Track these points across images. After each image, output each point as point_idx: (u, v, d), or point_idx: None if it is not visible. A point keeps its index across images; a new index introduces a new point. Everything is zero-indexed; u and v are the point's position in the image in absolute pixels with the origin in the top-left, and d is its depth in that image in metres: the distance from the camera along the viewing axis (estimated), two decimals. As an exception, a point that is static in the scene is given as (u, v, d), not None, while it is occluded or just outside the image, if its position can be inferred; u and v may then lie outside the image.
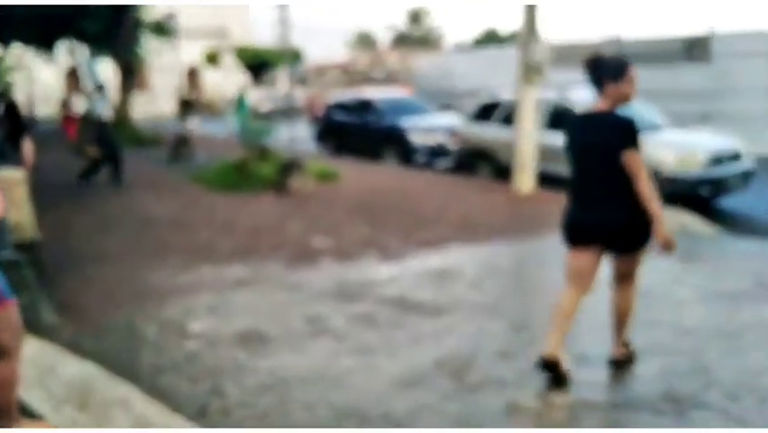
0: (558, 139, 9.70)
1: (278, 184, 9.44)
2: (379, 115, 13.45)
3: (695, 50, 15.71)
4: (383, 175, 11.00)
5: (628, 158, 2.98)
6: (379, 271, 5.19)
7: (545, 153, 9.17)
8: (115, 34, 17.44)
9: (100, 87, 10.21)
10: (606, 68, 3.14)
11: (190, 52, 47.54)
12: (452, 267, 5.28)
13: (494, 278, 5.01)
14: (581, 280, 3.20)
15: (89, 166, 9.92)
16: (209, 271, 5.31)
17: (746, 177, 8.37)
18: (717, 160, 8.18)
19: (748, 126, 14.39)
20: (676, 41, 16.08)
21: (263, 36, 52.95)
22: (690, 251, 5.91)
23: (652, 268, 3.92)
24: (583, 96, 9.62)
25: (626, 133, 3.03)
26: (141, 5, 18.42)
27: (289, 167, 9.41)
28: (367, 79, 28.02)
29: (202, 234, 6.62)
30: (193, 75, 14.70)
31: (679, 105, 15.42)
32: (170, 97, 31.39)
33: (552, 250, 5.56)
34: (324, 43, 54.74)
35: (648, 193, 2.96)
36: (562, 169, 9.33)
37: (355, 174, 10.83)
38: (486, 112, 10.66)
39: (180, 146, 14.10)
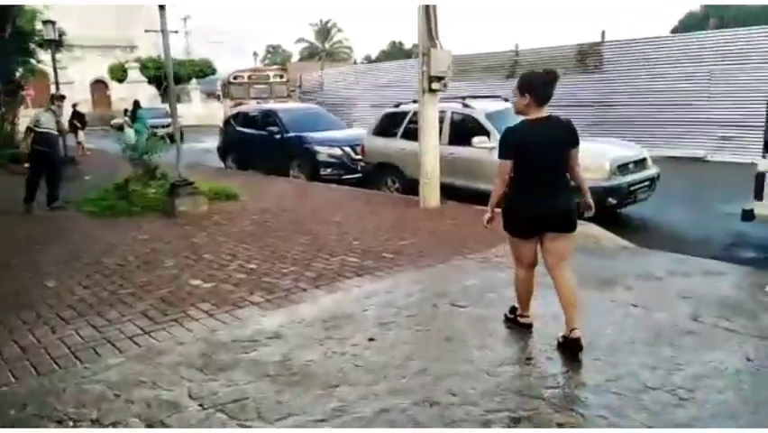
0: (461, 151, 9.13)
1: (164, 207, 8.10)
2: (283, 128, 12.23)
3: (587, 58, 15.56)
4: (287, 192, 9.83)
5: (574, 152, 3.45)
6: (262, 324, 4.06)
7: (451, 166, 8.37)
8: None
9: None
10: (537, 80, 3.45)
11: (97, 65, 44.35)
12: (350, 311, 4.24)
13: (399, 327, 4.00)
14: (532, 261, 3.67)
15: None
16: (43, 337, 4.01)
17: (653, 183, 7.87)
18: (624, 167, 7.61)
19: (633, 130, 14.34)
20: (571, 48, 15.87)
21: (173, 50, 50.03)
22: (608, 270, 5.18)
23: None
24: (485, 107, 8.92)
25: (575, 132, 3.46)
26: (23, 15, 16.26)
27: (178, 187, 8.09)
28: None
29: (49, 272, 5.26)
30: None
31: (574, 112, 15.28)
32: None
33: (466, 278, 4.71)
34: (234, 57, 52.49)
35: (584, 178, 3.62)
36: (467, 181, 8.75)
37: (257, 191, 9.62)
38: (390, 124, 9.74)
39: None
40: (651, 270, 5.19)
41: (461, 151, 8.51)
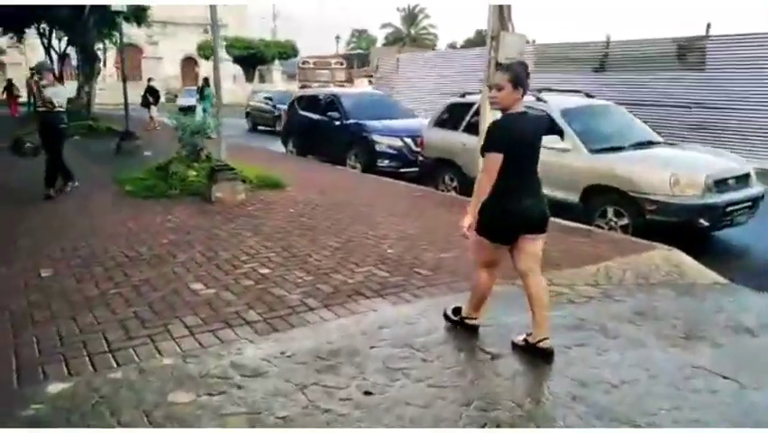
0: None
1: (202, 192, 7.58)
2: (344, 114, 11.51)
3: (687, 53, 13.83)
4: (337, 183, 9.10)
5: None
6: (244, 354, 3.31)
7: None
8: (78, 20, 15.49)
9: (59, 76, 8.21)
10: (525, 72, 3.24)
11: (188, 42, 45.49)
12: (356, 345, 3.42)
13: (408, 378, 3.15)
14: (498, 264, 3.49)
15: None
16: None
17: (755, 204, 6.53)
18: (722, 183, 6.33)
19: (732, 138, 12.64)
20: (669, 42, 14.15)
21: (260, 30, 50.82)
22: (691, 315, 4.09)
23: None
24: (562, 102, 7.79)
25: (548, 125, 3.69)
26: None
27: (217, 172, 7.53)
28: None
29: (52, 260, 4.76)
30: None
31: (668, 113, 13.65)
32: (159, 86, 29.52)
33: (509, 312, 3.70)
34: (318, 40, 52.63)
35: None
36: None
37: (303, 181, 8.95)
38: (452, 116, 8.79)
39: (123, 139, 12.23)
40: (747, 319, 4.05)
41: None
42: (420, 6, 64.16)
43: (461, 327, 3.68)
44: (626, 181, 6.37)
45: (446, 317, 3.78)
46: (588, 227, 6.47)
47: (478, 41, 50.73)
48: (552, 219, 6.96)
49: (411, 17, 63.67)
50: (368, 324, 3.74)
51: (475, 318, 3.67)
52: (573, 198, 6.91)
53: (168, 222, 6.37)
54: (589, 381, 3.06)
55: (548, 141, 7.18)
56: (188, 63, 47.52)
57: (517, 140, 3.18)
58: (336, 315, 3.87)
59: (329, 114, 11.65)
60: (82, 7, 14.93)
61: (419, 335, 3.59)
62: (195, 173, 8.01)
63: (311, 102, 12.80)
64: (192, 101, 23.49)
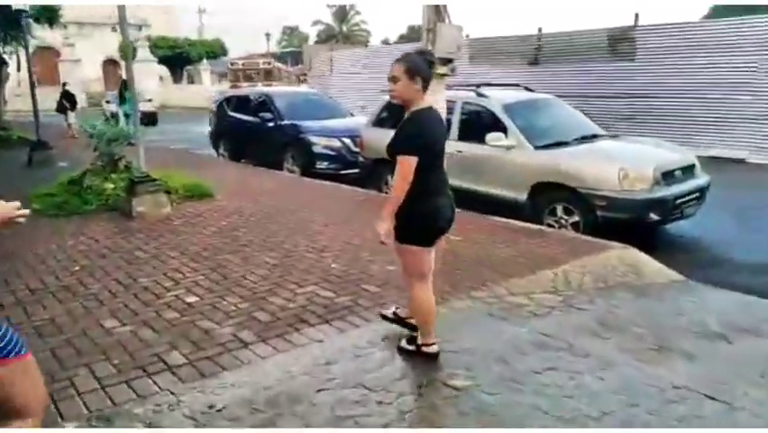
0: (472, 149, 7.73)
1: (121, 207, 6.85)
2: (277, 115, 10.89)
3: (619, 44, 13.97)
4: (273, 189, 8.51)
5: None
6: (165, 414, 2.77)
7: (459, 166, 7.00)
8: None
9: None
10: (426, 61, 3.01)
11: (108, 43, 43.10)
12: (298, 389, 2.94)
13: (360, 426, 2.71)
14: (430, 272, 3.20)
15: None
16: None
17: (703, 195, 6.44)
18: (669, 175, 6.19)
19: (668, 126, 12.90)
20: (601, 33, 14.26)
21: (188, 30, 48.89)
22: (654, 319, 3.82)
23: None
24: (504, 97, 7.52)
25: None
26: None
27: (137, 184, 6.82)
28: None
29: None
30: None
31: (603, 105, 13.76)
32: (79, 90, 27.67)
33: (470, 334, 3.13)
34: (248, 38, 51.27)
35: None
36: (477, 185, 7.37)
37: (235, 189, 8.32)
38: (391, 114, 8.37)
39: (34, 150, 11.19)
40: (711, 321, 3.84)
41: (471, 148, 7.14)
42: (351, 3, 63.65)
43: (419, 357, 3.25)
44: (575, 177, 6.14)
45: (401, 349, 3.34)
46: (538, 227, 6.20)
47: (411, 36, 50.72)
48: (502, 220, 6.88)
49: (342, 14, 62.99)
50: (312, 359, 3.25)
51: (433, 344, 3.25)
52: (521, 196, 6.64)
53: (80, 244, 5.65)
54: (568, 415, 2.69)
55: (492, 138, 6.97)
56: (111, 65, 45.16)
57: (431, 139, 2.96)
58: (275, 349, 3.37)
59: (261, 114, 11.00)
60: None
61: (372, 369, 3.14)
62: (112, 186, 7.25)
63: (241, 102, 12.09)
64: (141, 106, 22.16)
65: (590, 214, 6.06)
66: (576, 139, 6.91)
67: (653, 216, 5.95)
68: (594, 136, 7.19)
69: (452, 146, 7.09)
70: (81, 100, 32.89)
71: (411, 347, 3.29)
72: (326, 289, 4.33)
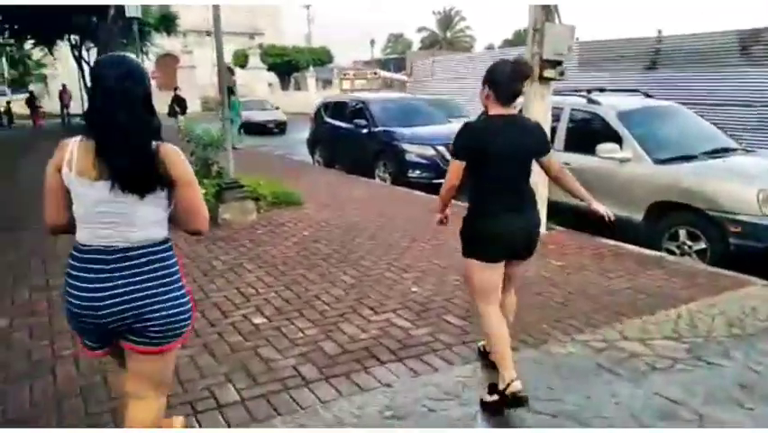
0: (581, 161, 6.95)
1: (210, 212, 6.72)
2: (371, 121, 10.56)
3: (751, 47, 12.39)
4: (362, 198, 8.16)
5: (548, 160, 2.91)
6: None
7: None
8: (99, 28, 15.08)
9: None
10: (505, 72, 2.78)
11: (226, 51, 45.28)
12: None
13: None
14: (497, 293, 2.88)
15: None
16: None
17: None
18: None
19: None
20: (730, 35, 12.75)
21: (297, 37, 50.54)
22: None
23: None
24: (618, 104, 6.66)
25: (544, 136, 2.95)
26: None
27: (225, 190, 6.69)
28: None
29: None
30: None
31: (732, 113, 12.25)
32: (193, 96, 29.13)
33: (571, 388, 2.79)
34: (353, 45, 52.15)
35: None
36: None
37: (324, 197, 8.04)
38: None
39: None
40: None
41: (580, 160, 6.35)
42: (456, 9, 62.99)
43: (507, 408, 2.67)
44: (703, 198, 5.23)
45: (484, 404, 2.77)
46: (657, 254, 5.35)
47: (516, 41, 49.32)
48: (612, 243, 6.07)
49: (447, 20, 62.48)
50: (377, 411, 2.74)
51: (512, 381, 2.66)
52: (636, 216, 5.79)
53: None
54: None
55: (604, 149, 6.15)
56: (227, 73, 47.40)
57: (482, 146, 2.71)
58: (338, 392, 2.90)
59: (356, 121, 10.72)
60: (106, 16, 14.49)
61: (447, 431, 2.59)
62: (204, 191, 7.16)
63: (338, 109, 11.89)
64: (268, 114, 23.00)
65: (721, 241, 5.12)
66: (704, 153, 5.94)
67: (758, 246, 4.92)
68: (725, 150, 6.17)
69: (558, 158, 6.38)
70: (196, 105, 34.75)
71: (493, 398, 2.71)
72: (404, 317, 3.82)
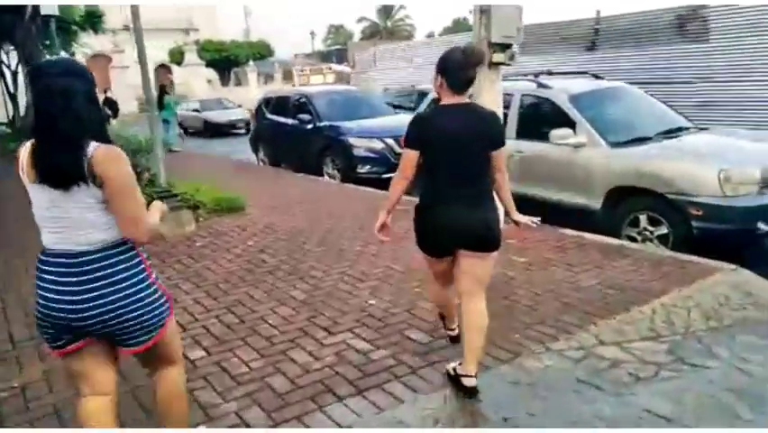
0: (534, 149, 6.67)
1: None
2: (316, 116, 10.04)
3: (688, 24, 12.49)
4: (309, 198, 7.67)
5: (498, 154, 2.70)
6: None
7: (519, 169, 5.97)
8: (16, 27, 13.91)
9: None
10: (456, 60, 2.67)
11: (160, 48, 43.50)
12: None
13: None
14: (449, 280, 2.91)
15: None
16: None
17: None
18: (781, 177, 4.98)
19: (744, 115, 11.37)
20: (667, 12, 12.82)
21: (234, 32, 48.96)
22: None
23: None
24: (569, 87, 6.42)
25: (499, 126, 2.80)
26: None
27: (158, 200, 6.07)
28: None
29: None
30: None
31: (672, 90, 12.34)
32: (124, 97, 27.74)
33: (555, 411, 2.44)
34: (293, 38, 51.12)
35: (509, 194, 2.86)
36: (542, 191, 6.30)
37: (268, 200, 7.53)
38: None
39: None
40: None
41: (534, 148, 6.09)
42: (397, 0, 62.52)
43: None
44: (662, 181, 5.01)
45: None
46: (619, 242, 5.12)
47: (456, 29, 49.40)
48: (573, 233, 5.83)
49: (387, 10, 62.00)
50: None
51: (453, 329, 3.19)
52: (594, 203, 5.56)
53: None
54: None
55: (557, 135, 5.87)
56: (163, 70, 45.60)
57: (434, 135, 2.64)
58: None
59: (299, 116, 10.18)
60: (23, 15, 13.37)
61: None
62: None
63: (280, 104, 11.29)
64: (231, 113, 21.87)
65: (683, 225, 4.92)
66: (659, 134, 5.76)
67: (763, 227, 4.76)
68: (679, 129, 6.01)
69: (511, 146, 6.08)
70: (132, 106, 33.20)
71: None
72: (361, 337, 3.41)
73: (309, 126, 9.96)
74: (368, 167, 9.01)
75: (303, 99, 10.61)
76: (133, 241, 1.95)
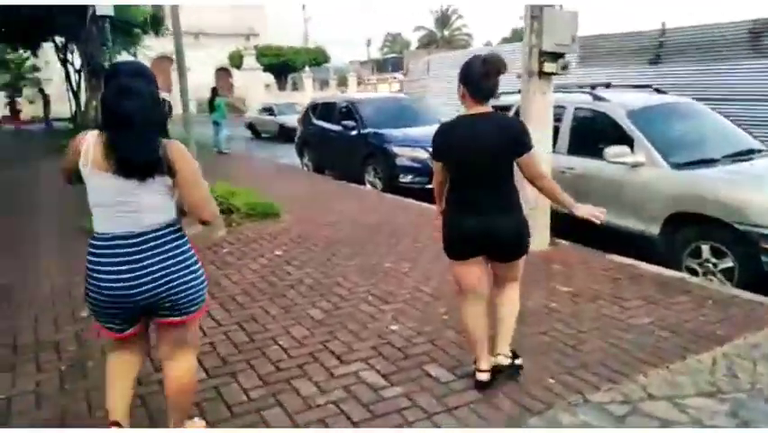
0: (587, 166, 6.12)
1: (172, 229, 5.97)
2: (360, 123, 9.78)
3: (763, 38, 11.60)
4: (346, 208, 7.39)
5: (529, 159, 2.63)
6: None
7: (571, 187, 5.49)
8: (82, 29, 14.33)
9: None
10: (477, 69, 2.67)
11: (222, 52, 44.54)
12: None
13: None
14: (473, 286, 2.80)
15: None
16: None
17: None
18: None
19: None
20: (739, 25, 11.95)
21: (293, 38, 49.65)
22: None
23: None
24: (628, 101, 5.89)
25: (522, 134, 2.64)
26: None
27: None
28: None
29: None
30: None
31: (747, 108, 11.47)
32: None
33: None
34: (350, 45, 51.35)
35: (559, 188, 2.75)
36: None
37: (305, 207, 7.30)
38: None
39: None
40: None
41: (586, 165, 5.60)
42: (453, 8, 62.05)
43: None
44: (729, 209, 4.44)
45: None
46: (679, 275, 4.57)
47: (514, 38, 48.52)
48: (626, 262, 5.30)
49: (444, 19, 61.62)
50: None
51: (483, 372, 2.81)
52: (651, 229, 5.02)
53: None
54: None
55: (613, 153, 5.35)
56: (223, 74, 46.71)
57: (452, 145, 2.68)
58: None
59: (344, 123, 9.95)
60: (86, 16, 13.75)
61: None
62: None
63: (326, 110, 11.11)
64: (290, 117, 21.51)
65: (752, 259, 4.34)
66: (727, 156, 5.17)
67: None
68: (750, 152, 5.39)
69: (561, 162, 5.63)
70: (191, 107, 34.04)
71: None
72: (375, 369, 3.06)
73: (353, 133, 9.71)
74: (410, 177, 8.68)
75: (349, 105, 10.38)
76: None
